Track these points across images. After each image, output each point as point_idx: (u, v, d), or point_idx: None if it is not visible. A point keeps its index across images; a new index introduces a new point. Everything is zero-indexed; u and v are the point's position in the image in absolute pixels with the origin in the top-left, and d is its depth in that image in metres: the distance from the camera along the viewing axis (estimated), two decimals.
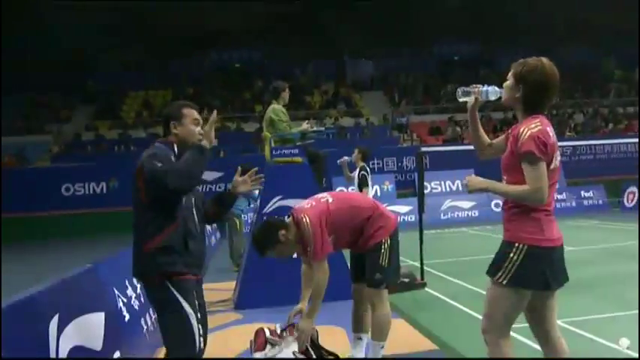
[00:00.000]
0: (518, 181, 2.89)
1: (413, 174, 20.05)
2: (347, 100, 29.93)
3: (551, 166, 2.90)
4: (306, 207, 4.19)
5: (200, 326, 3.19)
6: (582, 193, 19.52)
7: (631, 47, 32.98)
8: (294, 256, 4.33)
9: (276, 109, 7.14)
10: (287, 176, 6.85)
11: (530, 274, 2.87)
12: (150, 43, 31.48)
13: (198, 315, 3.20)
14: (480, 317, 5.60)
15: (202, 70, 33.13)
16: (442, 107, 28.68)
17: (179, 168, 3.07)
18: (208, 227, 14.68)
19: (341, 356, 4.47)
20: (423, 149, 10.95)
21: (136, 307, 4.71)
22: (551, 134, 2.90)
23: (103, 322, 3.72)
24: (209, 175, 20.52)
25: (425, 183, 19.68)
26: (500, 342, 2.99)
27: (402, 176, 21.10)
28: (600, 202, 19.42)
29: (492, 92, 3.12)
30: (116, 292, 4.35)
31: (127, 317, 4.37)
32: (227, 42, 33.59)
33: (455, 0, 33.92)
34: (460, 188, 20.00)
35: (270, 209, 6.84)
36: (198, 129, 3.34)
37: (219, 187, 18.20)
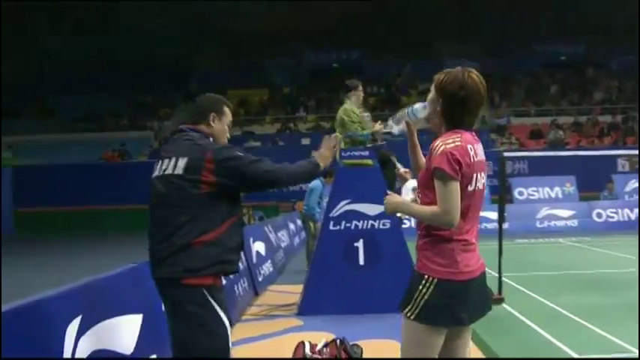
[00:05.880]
0: (433, 200, 2.60)
1: (509, 179, 19.11)
2: None
3: (470, 188, 2.59)
4: None
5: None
6: None
7: None
8: None
9: (347, 110, 6.86)
10: (356, 179, 6.57)
11: (439, 309, 2.57)
12: (247, 44, 32.16)
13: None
14: (556, 342, 5.09)
15: (299, 70, 33.43)
16: (544, 110, 27.24)
17: (291, 169, 3.18)
18: (292, 226, 14.66)
19: None
20: (519, 154, 10.30)
21: None
22: (471, 153, 2.60)
23: (140, 324, 3.63)
24: None
25: (521, 189, 19.07)
26: None
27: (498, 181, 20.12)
28: None
29: (419, 108, 2.84)
30: None
31: None
32: (325, 42, 33.71)
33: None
34: (560, 196, 18.88)
35: (337, 213, 6.59)
36: (227, 133, 3.34)
37: None
